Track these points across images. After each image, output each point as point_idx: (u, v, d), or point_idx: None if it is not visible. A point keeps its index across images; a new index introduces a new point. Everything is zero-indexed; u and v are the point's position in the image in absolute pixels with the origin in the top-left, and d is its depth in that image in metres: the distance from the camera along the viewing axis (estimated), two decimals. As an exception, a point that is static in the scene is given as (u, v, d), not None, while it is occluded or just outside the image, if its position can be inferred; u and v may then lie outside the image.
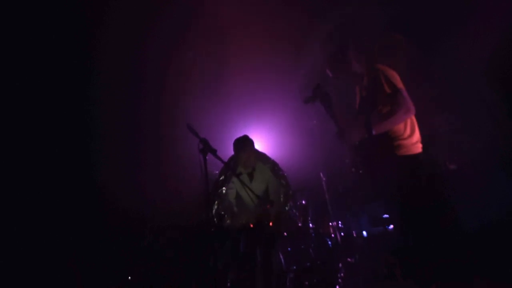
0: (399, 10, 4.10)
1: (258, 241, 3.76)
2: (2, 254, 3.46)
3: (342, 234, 4.68)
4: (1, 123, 3.69)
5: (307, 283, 4.12)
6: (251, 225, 3.84)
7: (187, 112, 4.69)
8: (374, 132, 2.87)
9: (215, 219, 3.86)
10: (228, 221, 3.86)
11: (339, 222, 4.74)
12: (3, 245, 3.51)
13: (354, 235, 4.67)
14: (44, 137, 3.92)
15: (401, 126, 2.91)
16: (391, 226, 4.72)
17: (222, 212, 3.90)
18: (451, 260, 3.40)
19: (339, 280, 4.08)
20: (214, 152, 3.06)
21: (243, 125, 5.19)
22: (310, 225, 4.52)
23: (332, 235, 4.52)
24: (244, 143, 3.97)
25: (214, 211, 3.89)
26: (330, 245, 4.43)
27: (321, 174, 4.86)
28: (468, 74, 3.94)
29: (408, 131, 2.93)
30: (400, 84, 2.89)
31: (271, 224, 3.83)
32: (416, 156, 2.92)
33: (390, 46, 4.36)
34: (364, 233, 4.75)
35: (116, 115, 4.39)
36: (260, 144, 5.46)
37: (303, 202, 4.66)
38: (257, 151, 4.12)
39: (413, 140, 2.93)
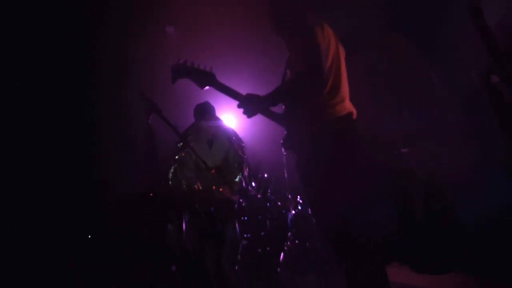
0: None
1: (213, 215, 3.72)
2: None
3: (299, 208, 4.79)
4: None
5: (259, 250, 4.38)
6: (197, 188, 3.78)
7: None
8: (274, 101, 2.48)
9: (170, 183, 3.85)
10: (184, 186, 3.81)
11: (298, 196, 4.83)
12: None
13: (310, 211, 4.74)
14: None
15: (319, 87, 2.40)
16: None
17: (179, 177, 3.86)
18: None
19: (285, 248, 4.27)
20: (159, 112, 3.00)
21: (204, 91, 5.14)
22: (270, 197, 4.69)
23: (291, 209, 4.66)
24: (205, 109, 3.95)
25: (170, 175, 3.86)
26: (286, 217, 4.62)
27: (282, 149, 4.93)
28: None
29: (326, 92, 2.43)
30: (318, 41, 2.37)
31: (221, 190, 3.81)
32: (340, 118, 2.44)
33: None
34: None
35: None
36: (223, 114, 5.25)
37: (265, 175, 4.74)
38: (218, 118, 4.12)
39: (334, 100, 2.45)
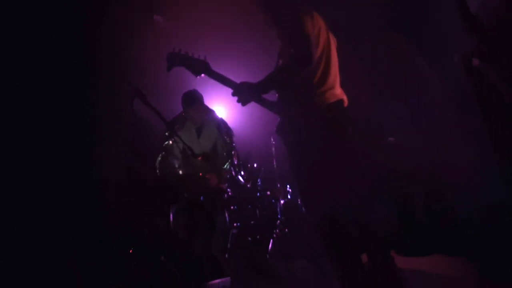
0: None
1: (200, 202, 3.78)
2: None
3: (289, 197, 4.84)
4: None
5: (250, 239, 4.35)
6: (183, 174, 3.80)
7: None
8: (266, 88, 2.50)
9: (157, 171, 3.83)
10: (171, 175, 3.84)
11: (288, 186, 4.88)
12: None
13: (299, 202, 4.73)
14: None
15: (309, 75, 2.45)
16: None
17: (166, 166, 3.88)
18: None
19: (274, 235, 4.29)
20: (144, 97, 3.01)
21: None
22: (259, 187, 4.66)
23: (279, 199, 4.69)
24: (192, 97, 3.91)
25: (158, 163, 3.85)
26: (276, 207, 4.65)
27: (272, 138, 4.97)
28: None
29: (316, 80, 2.47)
30: (307, 30, 2.40)
31: (207, 177, 3.81)
32: (330, 106, 2.46)
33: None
34: None
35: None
36: (213, 105, 5.24)
37: (255, 165, 4.75)
38: (206, 106, 4.07)
39: (323, 88, 2.48)
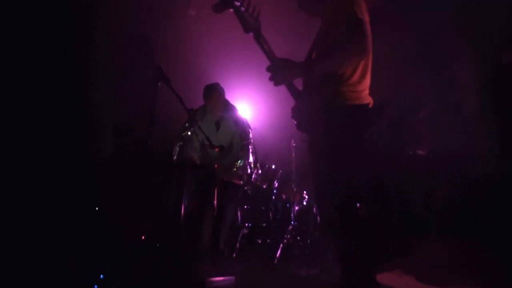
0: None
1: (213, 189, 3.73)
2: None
3: (304, 203, 4.78)
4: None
5: (260, 241, 4.30)
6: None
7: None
8: (313, 73, 2.28)
9: (175, 159, 3.83)
10: (189, 162, 3.79)
11: (304, 191, 4.83)
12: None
13: (314, 210, 4.61)
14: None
15: (350, 68, 2.26)
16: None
17: (184, 155, 3.84)
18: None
19: (285, 240, 4.20)
20: (168, 81, 2.99)
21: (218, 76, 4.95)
22: (275, 190, 4.62)
23: (294, 203, 4.61)
24: (212, 89, 3.92)
25: (176, 152, 3.84)
26: (290, 211, 4.56)
27: (292, 141, 4.87)
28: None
29: (356, 76, 2.29)
30: (362, 15, 2.20)
31: (215, 166, 3.79)
32: (359, 106, 2.29)
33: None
34: None
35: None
36: (237, 100, 5.17)
37: (272, 166, 4.71)
38: (226, 101, 4.05)
39: (359, 87, 2.30)
